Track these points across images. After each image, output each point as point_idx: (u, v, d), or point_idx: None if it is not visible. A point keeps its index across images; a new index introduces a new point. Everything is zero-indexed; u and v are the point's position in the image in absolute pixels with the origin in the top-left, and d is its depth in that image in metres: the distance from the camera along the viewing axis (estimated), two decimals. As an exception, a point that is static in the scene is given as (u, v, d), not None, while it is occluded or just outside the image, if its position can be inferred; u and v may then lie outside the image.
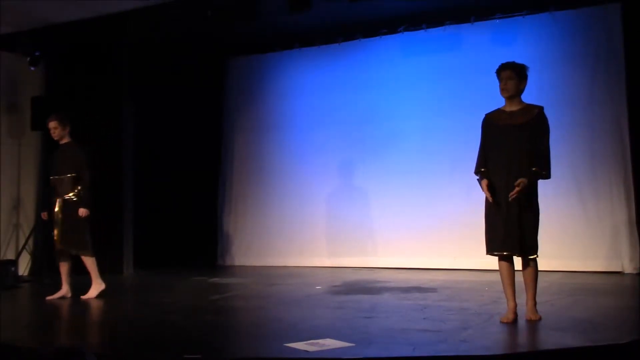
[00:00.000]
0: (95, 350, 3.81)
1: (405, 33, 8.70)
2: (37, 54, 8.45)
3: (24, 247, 8.42)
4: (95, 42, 8.28)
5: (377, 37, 8.87)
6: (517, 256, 4.44)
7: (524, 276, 4.47)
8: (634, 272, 7.30)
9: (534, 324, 4.32)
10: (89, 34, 8.10)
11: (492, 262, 8.35)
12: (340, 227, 9.03)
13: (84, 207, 6.06)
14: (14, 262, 7.84)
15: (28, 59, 8.47)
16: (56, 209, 6.18)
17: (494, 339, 3.94)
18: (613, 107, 7.61)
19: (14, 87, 8.72)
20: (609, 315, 4.75)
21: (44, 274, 8.09)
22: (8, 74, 8.60)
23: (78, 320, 5.47)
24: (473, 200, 8.10)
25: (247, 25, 8.29)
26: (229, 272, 8.81)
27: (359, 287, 6.66)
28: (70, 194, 6.14)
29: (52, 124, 6.27)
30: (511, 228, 4.37)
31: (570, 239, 7.56)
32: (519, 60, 4.61)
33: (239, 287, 7.09)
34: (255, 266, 9.36)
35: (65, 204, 6.15)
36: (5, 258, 8.17)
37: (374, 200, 8.86)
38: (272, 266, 9.17)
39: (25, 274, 8.44)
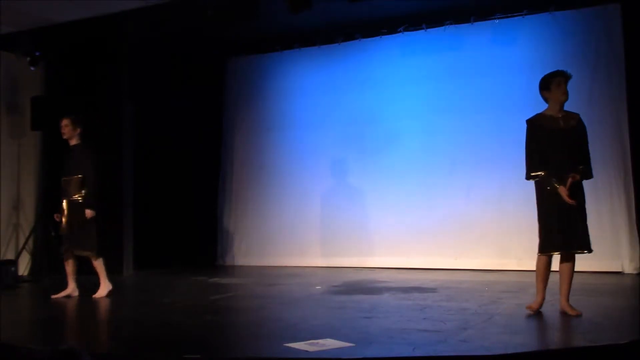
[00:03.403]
0: (95, 350, 3.81)
1: (405, 33, 8.70)
2: (37, 54, 8.45)
3: (23, 247, 8.42)
4: (95, 41, 8.28)
5: (377, 37, 8.88)
6: (575, 253, 4.68)
7: (563, 271, 4.65)
8: (634, 272, 7.31)
9: (534, 324, 4.33)
10: (89, 34, 8.09)
11: (492, 262, 8.30)
12: (341, 227, 9.02)
13: (88, 208, 6.13)
14: (14, 262, 7.84)
15: (28, 59, 8.47)
16: (64, 210, 6.24)
17: (494, 339, 3.94)
18: (613, 107, 7.61)
19: (14, 87, 8.71)
20: (609, 315, 4.75)
21: (44, 274, 8.09)
22: (8, 74, 8.59)
23: (78, 321, 5.47)
24: (473, 201, 8.16)
25: (247, 25, 8.29)
26: (229, 272, 8.81)
27: (359, 287, 6.66)
28: (77, 196, 6.20)
29: (64, 122, 6.37)
30: (572, 227, 4.63)
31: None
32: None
33: (239, 287, 7.09)
34: (255, 266, 9.36)
35: (72, 205, 6.22)
36: (5, 258, 8.16)
37: (374, 200, 8.86)
38: (272, 266, 9.17)
39: (25, 274, 8.43)
